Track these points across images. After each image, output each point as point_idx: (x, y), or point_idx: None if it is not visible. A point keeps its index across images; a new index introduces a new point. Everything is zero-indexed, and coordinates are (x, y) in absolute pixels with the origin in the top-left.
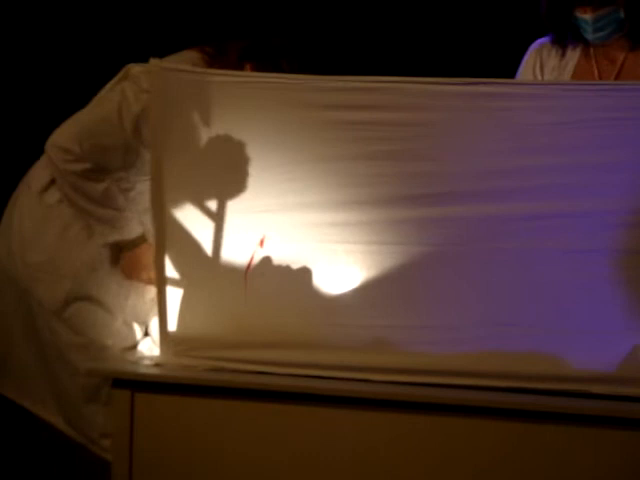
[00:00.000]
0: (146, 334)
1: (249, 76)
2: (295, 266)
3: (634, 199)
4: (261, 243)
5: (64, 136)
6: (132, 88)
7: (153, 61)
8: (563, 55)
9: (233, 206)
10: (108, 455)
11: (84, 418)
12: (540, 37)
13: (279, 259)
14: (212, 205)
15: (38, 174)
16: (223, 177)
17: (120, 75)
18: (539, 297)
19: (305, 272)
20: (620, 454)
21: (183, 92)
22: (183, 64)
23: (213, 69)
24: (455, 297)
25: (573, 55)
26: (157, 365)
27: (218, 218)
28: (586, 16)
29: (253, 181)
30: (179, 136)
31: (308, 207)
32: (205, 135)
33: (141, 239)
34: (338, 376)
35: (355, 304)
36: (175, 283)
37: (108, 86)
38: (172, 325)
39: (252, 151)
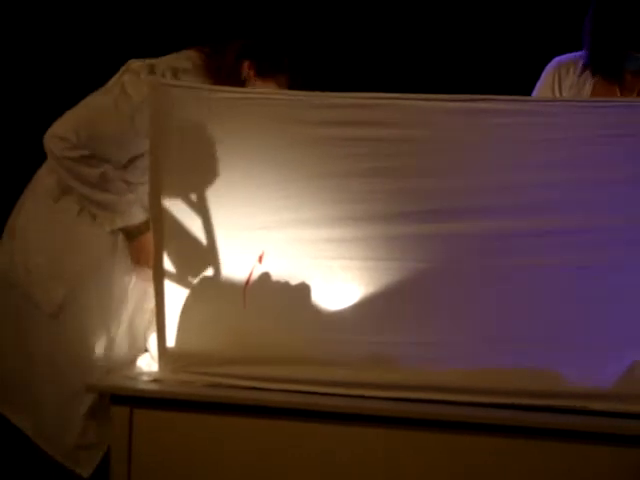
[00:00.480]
0: (145, 350)
1: (244, 92)
2: (292, 282)
3: (632, 216)
4: (260, 259)
5: (62, 126)
6: (131, 80)
7: (151, 77)
8: (581, 73)
9: (230, 223)
10: (81, 469)
11: (59, 427)
12: (538, 53)
13: (276, 275)
14: (209, 222)
15: (43, 179)
16: (219, 194)
17: (121, 71)
18: (536, 313)
19: (302, 288)
20: (617, 471)
21: (180, 109)
22: (182, 62)
23: (209, 85)
24: (451, 313)
25: (588, 83)
26: (156, 381)
27: (216, 235)
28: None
29: (250, 198)
30: (175, 153)
31: (304, 223)
32: (201, 152)
33: (146, 225)
34: (335, 392)
35: (351, 320)
36: (173, 299)
37: (112, 81)
38: (170, 341)
39: (248, 168)
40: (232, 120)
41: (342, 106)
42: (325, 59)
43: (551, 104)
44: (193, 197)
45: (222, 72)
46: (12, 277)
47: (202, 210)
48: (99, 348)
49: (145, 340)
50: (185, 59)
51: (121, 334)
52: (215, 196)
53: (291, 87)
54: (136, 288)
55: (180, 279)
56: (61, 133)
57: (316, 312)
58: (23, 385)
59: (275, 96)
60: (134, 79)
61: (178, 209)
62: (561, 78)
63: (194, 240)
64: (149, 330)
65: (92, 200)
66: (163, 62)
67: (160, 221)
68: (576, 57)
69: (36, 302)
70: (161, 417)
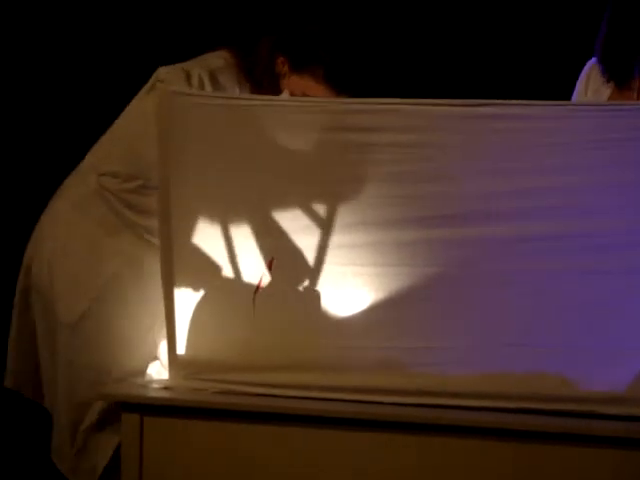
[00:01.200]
0: (155, 357)
1: (256, 99)
2: (303, 288)
3: (630, 220)
4: (269, 266)
5: (110, 161)
6: None
7: (160, 85)
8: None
9: (241, 229)
10: None
11: (64, 435)
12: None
13: (287, 281)
14: (220, 228)
15: (74, 186)
16: (231, 201)
17: (150, 82)
18: (547, 317)
19: (313, 294)
20: (629, 475)
21: (191, 116)
22: (216, 61)
23: (219, 92)
24: (462, 318)
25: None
26: (166, 388)
27: (226, 241)
28: None
29: (262, 204)
30: (186, 160)
31: (316, 229)
32: (214, 158)
33: None
34: (346, 398)
35: (362, 326)
36: (183, 306)
37: (140, 94)
38: (181, 348)
39: (259, 174)
40: (245, 127)
41: (354, 112)
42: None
43: (561, 108)
44: (203, 204)
45: (257, 70)
46: (39, 281)
47: (212, 217)
48: (115, 360)
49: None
50: (217, 58)
51: (147, 351)
52: (225, 203)
53: (328, 79)
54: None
55: (190, 286)
56: (111, 168)
57: (326, 318)
58: (51, 385)
59: (288, 102)
60: None
61: (187, 216)
62: (590, 81)
63: (204, 247)
64: (159, 337)
65: (150, 230)
66: (196, 65)
67: (169, 227)
68: None
69: (56, 311)
70: (172, 424)
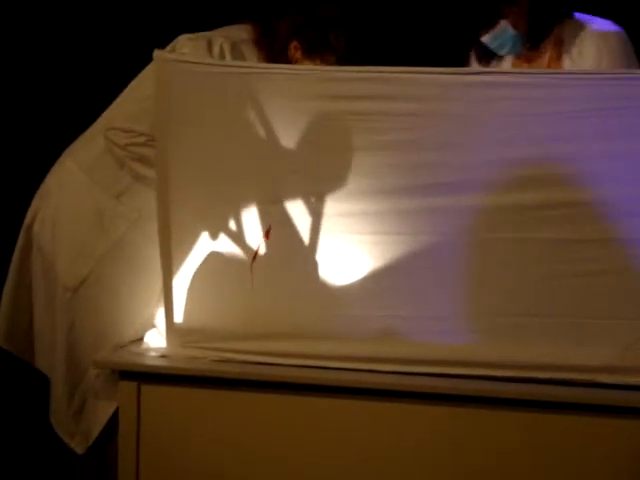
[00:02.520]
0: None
1: (255, 67)
2: (301, 257)
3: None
4: (267, 234)
5: (121, 118)
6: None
7: (157, 53)
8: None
9: (239, 197)
10: (75, 443)
11: (62, 398)
12: None
13: (285, 249)
14: (218, 196)
15: (83, 148)
16: (230, 168)
17: (169, 47)
18: (547, 286)
19: (311, 262)
20: (626, 443)
21: (190, 83)
22: (240, 33)
23: (218, 60)
24: (463, 286)
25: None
26: (164, 357)
27: (224, 209)
28: (483, 39)
29: (260, 171)
30: (186, 127)
31: (314, 198)
32: (213, 125)
33: None
34: (345, 367)
35: (361, 295)
36: (181, 274)
37: None
38: (178, 316)
39: (258, 142)
40: (243, 95)
41: (353, 80)
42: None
43: (558, 76)
44: (202, 171)
45: (275, 49)
46: (41, 240)
47: (211, 184)
48: (116, 325)
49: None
50: (242, 30)
51: (147, 317)
52: (224, 170)
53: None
54: None
55: (188, 254)
56: (123, 125)
57: (325, 287)
58: (49, 347)
59: (287, 70)
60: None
61: (185, 183)
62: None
63: (202, 214)
64: (157, 306)
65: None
66: (219, 34)
67: (167, 195)
68: None
69: (57, 272)
70: (169, 393)
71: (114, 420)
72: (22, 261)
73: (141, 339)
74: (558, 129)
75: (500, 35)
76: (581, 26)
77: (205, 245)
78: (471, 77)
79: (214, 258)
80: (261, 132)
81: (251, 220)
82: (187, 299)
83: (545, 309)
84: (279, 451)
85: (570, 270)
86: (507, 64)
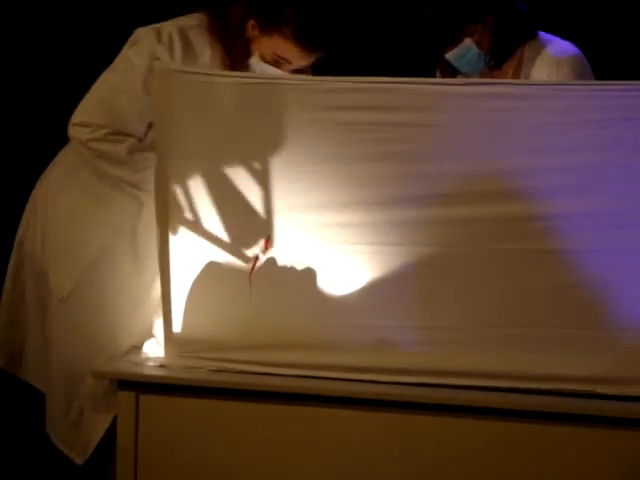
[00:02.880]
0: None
1: (253, 77)
2: (299, 267)
3: (636, 199)
4: (265, 244)
5: (80, 112)
6: (135, 51)
7: (157, 63)
8: None
9: (238, 207)
10: (75, 453)
11: (60, 409)
12: None
13: (284, 260)
14: (217, 205)
15: (64, 155)
16: (228, 178)
17: (128, 42)
18: (543, 297)
19: (309, 273)
20: (626, 454)
21: (189, 93)
22: (190, 20)
23: (218, 70)
24: (459, 298)
25: None
26: (162, 366)
27: (223, 219)
28: (447, 55)
29: (258, 182)
30: (183, 137)
31: (313, 208)
32: (211, 136)
33: None
34: (343, 377)
35: (359, 305)
36: (180, 284)
37: (119, 55)
38: (177, 326)
39: (255, 152)
40: (241, 104)
41: (351, 90)
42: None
43: (554, 87)
44: (200, 181)
45: (227, 32)
46: (33, 250)
47: (209, 194)
48: (105, 335)
49: (152, 326)
50: (192, 18)
51: (138, 322)
52: (223, 180)
53: (296, 37)
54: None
55: (187, 264)
56: (82, 119)
57: (324, 297)
58: (42, 359)
59: (284, 80)
60: (137, 49)
61: (185, 193)
62: None
63: (201, 225)
64: (155, 315)
65: (126, 181)
66: (169, 24)
67: (166, 205)
68: None
69: (49, 284)
70: (167, 402)
71: (112, 430)
72: (15, 277)
73: (139, 347)
74: (555, 140)
75: (464, 53)
76: (539, 49)
77: (204, 255)
78: (467, 88)
79: (213, 268)
80: (259, 142)
81: (250, 230)
82: (186, 309)
83: (543, 320)
84: (277, 461)
85: (567, 281)
86: None
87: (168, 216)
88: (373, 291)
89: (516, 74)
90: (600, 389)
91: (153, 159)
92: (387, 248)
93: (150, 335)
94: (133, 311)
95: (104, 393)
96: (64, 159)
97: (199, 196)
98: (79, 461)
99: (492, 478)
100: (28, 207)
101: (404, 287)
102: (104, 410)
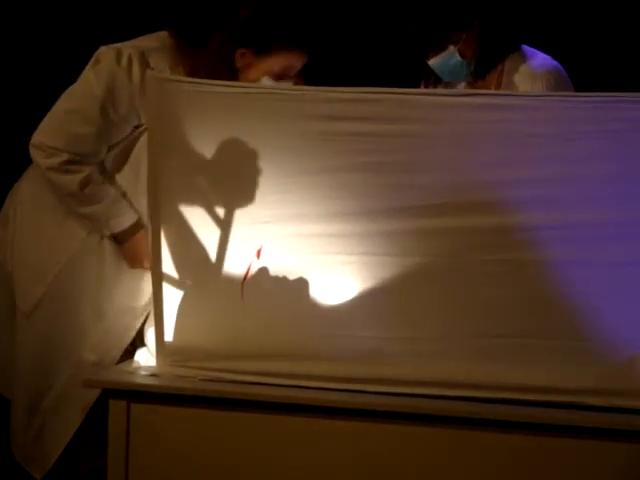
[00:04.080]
0: (142, 344)
1: (242, 87)
2: (291, 277)
3: (629, 211)
4: (258, 254)
5: (39, 133)
6: (94, 72)
7: (149, 72)
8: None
9: (229, 217)
10: (33, 469)
11: (20, 424)
12: None
13: (275, 270)
14: (208, 216)
15: (35, 167)
16: (219, 188)
17: (91, 61)
18: (533, 308)
19: (301, 283)
20: (615, 466)
21: (178, 102)
22: (151, 42)
23: (208, 80)
24: (450, 309)
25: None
26: (153, 375)
27: (214, 229)
28: (430, 62)
29: (249, 192)
30: (174, 147)
31: (303, 218)
32: (201, 146)
33: (135, 227)
34: (334, 387)
35: (350, 315)
36: (172, 293)
37: (81, 75)
38: (169, 335)
39: (247, 162)
40: (230, 115)
41: (343, 101)
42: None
43: (546, 99)
44: (191, 192)
45: (213, 68)
46: (4, 262)
47: (200, 205)
48: (68, 350)
49: (144, 335)
50: (154, 39)
51: (100, 335)
52: (213, 191)
53: (295, 45)
54: (124, 287)
55: (178, 274)
56: (38, 141)
57: (314, 307)
58: (10, 376)
59: (274, 91)
60: (96, 70)
61: (176, 204)
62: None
63: (192, 235)
64: (147, 324)
65: (77, 213)
66: (130, 45)
67: (158, 214)
68: None
69: (16, 297)
70: (159, 411)
71: (73, 444)
72: None
73: (103, 360)
74: (546, 151)
75: (446, 61)
76: (520, 61)
77: (195, 265)
78: (452, 99)
79: (205, 278)
80: (251, 152)
81: (241, 240)
82: (177, 318)
83: (534, 331)
84: (267, 470)
85: (559, 292)
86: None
87: (160, 226)
88: (365, 301)
89: (497, 85)
90: (588, 400)
91: (107, 192)
92: (376, 258)
93: (113, 346)
94: (95, 323)
95: (66, 406)
96: (33, 174)
97: (190, 206)
98: (37, 477)
99: None
100: (1, 218)
101: (395, 297)
102: (65, 426)
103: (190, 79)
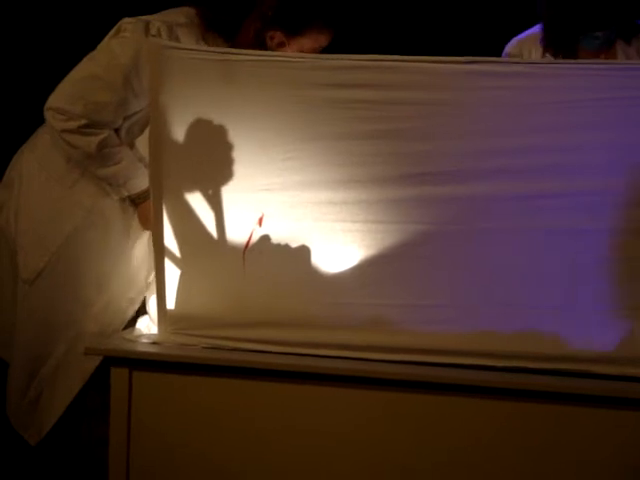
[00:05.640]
0: (144, 312)
1: (247, 54)
2: (293, 245)
3: (631, 178)
4: (259, 222)
5: (58, 97)
6: (120, 42)
7: (152, 39)
8: (544, 51)
9: (232, 185)
10: (29, 435)
11: (18, 389)
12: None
13: (277, 238)
14: (211, 183)
15: (40, 135)
16: (222, 156)
17: (112, 32)
18: (538, 276)
19: (303, 251)
20: (618, 434)
21: (182, 70)
22: (178, 17)
23: (212, 47)
24: (453, 276)
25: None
26: (155, 343)
27: (217, 196)
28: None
29: (252, 160)
30: (178, 115)
31: (307, 186)
32: (204, 113)
33: None
34: (336, 355)
35: (353, 283)
36: (174, 261)
37: (104, 40)
38: (170, 303)
39: (251, 129)
40: (234, 82)
41: (346, 68)
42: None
43: (551, 66)
44: (194, 159)
45: (241, 43)
46: (7, 229)
47: (203, 172)
48: (69, 320)
49: (146, 303)
50: (180, 14)
51: (102, 306)
52: (217, 158)
53: (328, 25)
54: (128, 259)
55: (180, 242)
56: (57, 104)
57: (317, 275)
58: (9, 334)
59: (278, 58)
60: (121, 40)
61: (178, 173)
62: (524, 54)
63: (195, 202)
64: (149, 292)
65: (96, 175)
66: (157, 18)
67: (160, 183)
68: (535, 34)
69: (17, 264)
70: (160, 379)
71: (69, 413)
72: None
73: (106, 329)
74: (548, 119)
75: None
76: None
77: (197, 233)
78: (461, 66)
79: (206, 246)
80: (252, 119)
81: (244, 208)
82: (179, 286)
83: (536, 299)
84: (271, 438)
85: (562, 260)
86: None
87: (162, 193)
88: (366, 269)
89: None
90: (595, 369)
91: (125, 153)
92: (381, 226)
93: (115, 318)
94: (97, 295)
95: (64, 375)
96: (41, 140)
97: (192, 174)
98: (32, 443)
99: (487, 457)
100: (2, 184)
101: (398, 265)
102: (62, 394)
103: (190, 46)
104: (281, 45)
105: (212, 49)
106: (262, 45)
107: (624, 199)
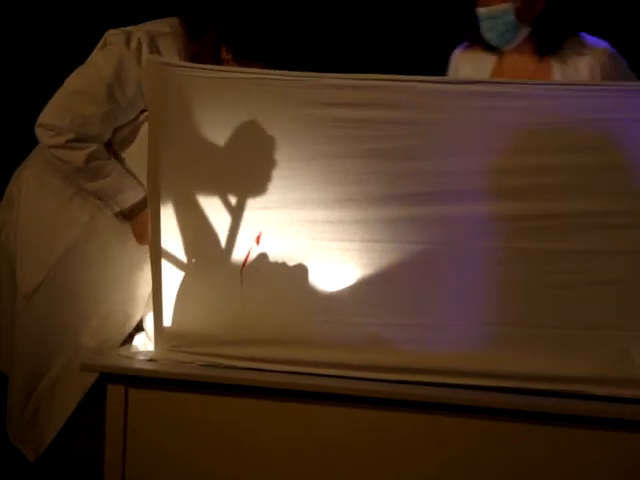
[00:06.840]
0: (141, 329)
1: (245, 72)
2: (290, 263)
3: (629, 200)
4: (257, 240)
5: (46, 114)
6: (103, 54)
7: (150, 56)
8: (478, 66)
9: (229, 203)
10: (27, 450)
11: (16, 405)
12: None
13: (274, 256)
14: (208, 202)
15: (36, 154)
16: (220, 173)
17: (99, 44)
18: (535, 296)
19: (300, 269)
20: (613, 455)
21: (179, 88)
22: (161, 26)
23: (211, 65)
24: (449, 295)
25: (488, 64)
26: (151, 360)
27: (214, 215)
28: (481, 9)
29: (250, 178)
30: (175, 132)
31: (304, 204)
32: (201, 132)
33: (143, 202)
34: (332, 374)
35: (350, 302)
36: (171, 278)
37: (90, 56)
38: (167, 320)
39: (249, 148)
40: (233, 100)
41: (344, 87)
42: (318, 56)
43: (551, 88)
44: (192, 177)
45: (200, 55)
46: (7, 242)
47: (199, 191)
48: (67, 335)
49: (143, 320)
50: (165, 24)
51: (100, 321)
52: (214, 176)
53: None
54: (126, 274)
55: (177, 259)
56: (45, 122)
57: (314, 293)
58: (8, 350)
59: (276, 76)
60: (105, 51)
61: (175, 190)
62: (456, 69)
63: (192, 219)
64: (146, 309)
65: (85, 189)
66: (140, 28)
67: (158, 199)
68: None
69: (17, 280)
70: (156, 397)
71: (68, 428)
72: None
73: (103, 344)
74: (545, 140)
75: (498, 15)
76: (581, 42)
77: (195, 250)
78: (456, 86)
79: (204, 263)
80: (250, 138)
81: (241, 225)
82: (176, 304)
83: (535, 319)
84: (266, 455)
85: (560, 281)
86: (488, 62)
87: (159, 209)
88: (364, 288)
89: (565, 72)
90: (593, 390)
91: (114, 166)
92: (378, 245)
93: (113, 333)
94: (95, 309)
95: (62, 390)
96: (40, 156)
97: (190, 191)
98: (31, 458)
99: (476, 477)
100: (3, 202)
101: (394, 285)
102: (60, 409)
103: (187, 64)
104: (230, 62)
105: (209, 67)
106: (216, 55)
107: (621, 220)
